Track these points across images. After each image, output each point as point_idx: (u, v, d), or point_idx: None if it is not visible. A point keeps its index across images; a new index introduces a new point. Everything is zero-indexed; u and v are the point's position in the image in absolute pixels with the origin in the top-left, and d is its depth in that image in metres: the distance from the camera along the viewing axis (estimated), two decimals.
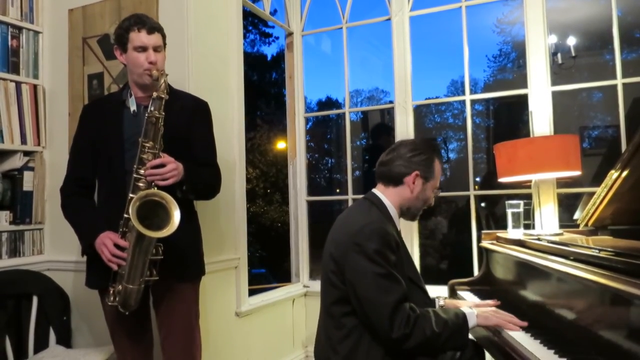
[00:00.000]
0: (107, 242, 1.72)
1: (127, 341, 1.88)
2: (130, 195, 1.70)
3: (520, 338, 1.49)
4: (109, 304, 1.75)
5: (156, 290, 1.86)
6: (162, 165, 1.72)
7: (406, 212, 1.73)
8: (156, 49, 1.82)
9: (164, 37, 1.88)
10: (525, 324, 1.57)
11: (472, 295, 2.17)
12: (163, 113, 1.73)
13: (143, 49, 1.80)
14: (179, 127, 1.86)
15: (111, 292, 1.76)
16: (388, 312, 1.44)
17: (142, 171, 1.71)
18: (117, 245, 1.71)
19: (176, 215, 1.66)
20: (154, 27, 1.83)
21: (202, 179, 1.90)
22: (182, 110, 1.88)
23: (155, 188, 1.71)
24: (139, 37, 1.80)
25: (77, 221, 1.89)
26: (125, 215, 1.72)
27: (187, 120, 1.91)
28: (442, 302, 1.94)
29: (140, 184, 1.71)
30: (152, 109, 1.73)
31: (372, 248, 1.49)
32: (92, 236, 1.77)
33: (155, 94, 1.73)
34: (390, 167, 1.70)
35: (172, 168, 1.73)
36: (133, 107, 1.88)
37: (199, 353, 1.95)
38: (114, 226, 1.76)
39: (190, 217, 1.94)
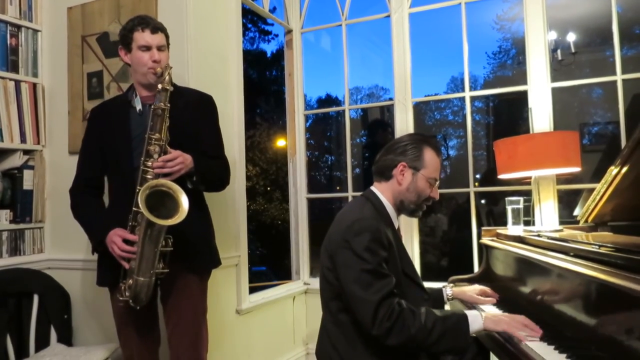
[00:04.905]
0: (115, 238, 1.74)
1: (134, 337, 1.89)
2: (139, 187, 1.71)
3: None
4: (121, 299, 1.76)
5: (164, 285, 1.86)
6: (170, 159, 1.74)
7: (401, 207, 1.69)
8: (160, 48, 1.86)
9: (167, 37, 1.92)
10: (540, 332, 1.43)
11: None
12: (169, 105, 1.76)
13: (147, 48, 1.84)
14: (184, 123, 1.87)
15: (122, 288, 1.76)
16: (372, 308, 1.41)
17: (149, 163, 1.73)
18: (126, 241, 1.72)
19: (184, 202, 1.67)
20: (157, 27, 1.87)
21: (211, 170, 1.92)
22: (186, 105, 1.90)
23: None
24: (142, 36, 1.83)
25: (86, 220, 1.91)
26: (134, 209, 1.73)
27: (193, 115, 1.93)
28: (449, 292, 1.95)
29: (148, 177, 1.73)
30: (158, 101, 1.75)
31: (360, 244, 1.47)
32: (102, 234, 1.79)
33: (160, 86, 1.76)
34: (380, 162, 1.70)
35: (180, 161, 1.75)
36: (138, 107, 1.90)
37: (205, 349, 1.95)
38: (125, 223, 1.77)
39: (200, 210, 1.96)
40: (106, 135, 1.92)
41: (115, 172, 1.92)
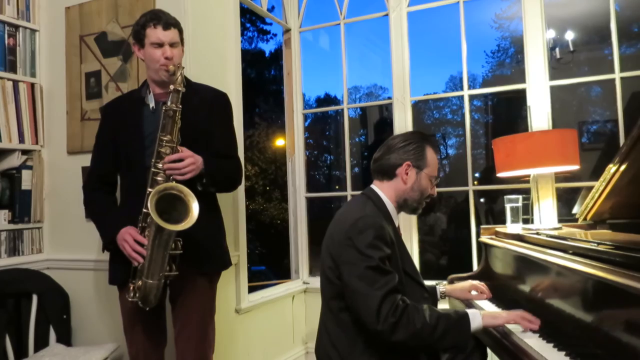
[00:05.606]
0: (127, 237, 1.73)
1: (141, 336, 1.88)
2: (149, 189, 1.70)
3: (518, 331, 1.49)
4: (129, 299, 1.75)
5: (174, 286, 1.85)
6: (181, 160, 1.73)
7: (404, 205, 1.70)
8: (172, 45, 1.83)
9: (180, 32, 1.88)
10: (538, 322, 1.48)
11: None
12: (180, 106, 1.74)
13: (159, 44, 1.81)
14: (198, 120, 1.86)
15: (131, 288, 1.75)
16: (376, 303, 1.40)
17: (160, 165, 1.72)
18: (137, 241, 1.72)
19: (194, 208, 1.66)
20: (169, 23, 1.84)
21: (222, 171, 1.90)
22: (200, 103, 1.89)
23: (174, 182, 1.71)
24: (155, 33, 1.81)
25: (98, 217, 1.91)
26: (144, 210, 1.72)
27: (207, 113, 1.91)
28: (442, 289, 1.95)
29: (159, 178, 1.71)
30: (170, 102, 1.73)
31: (364, 241, 1.47)
32: (114, 232, 1.78)
33: (172, 87, 1.74)
34: (382, 161, 1.69)
35: (190, 162, 1.73)
36: (152, 104, 1.89)
37: (212, 350, 1.94)
38: (134, 222, 1.76)
39: (212, 211, 1.94)
40: (119, 132, 1.90)
41: (127, 170, 1.91)
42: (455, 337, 1.45)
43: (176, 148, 1.74)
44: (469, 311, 1.50)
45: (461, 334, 1.47)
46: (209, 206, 1.90)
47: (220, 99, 2.00)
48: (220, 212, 2.02)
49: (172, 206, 1.68)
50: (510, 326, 1.53)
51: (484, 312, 1.54)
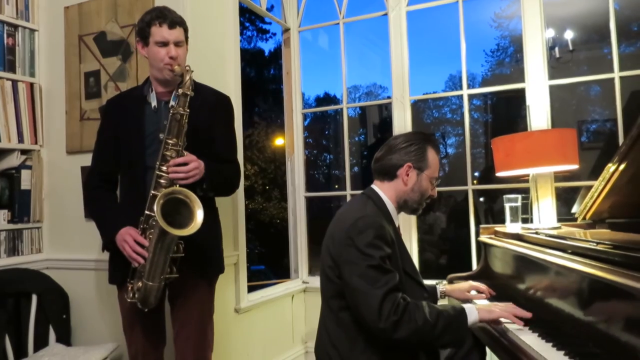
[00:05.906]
0: (127, 238, 1.72)
1: (140, 336, 1.88)
2: (153, 192, 1.70)
3: (518, 330, 1.50)
4: (129, 300, 1.75)
5: (173, 286, 1.84)
6: (185, 164, 1.72)
7: (404, 206, 1.70)
8: (177, 44, 1.81)
9: (185, 31, 1.87)
10: (529, 314, 1.52)
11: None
12: (188, 110, 1.73)
13: (164, 43, 1.79)
14: (199, 123, 1.84)
15: (130, 288, 1.75)
16: (377, 302, 1.41)
17: (164, 168, 1.71)
18: (137, 242, 1.72)
19: (199, 215, 1.66)
20: (175, 22, 1.81)
21: (222, 177, 1.90)
22: (202, 105, 1.87)
23: (177, 185, 1.71)
24: (160, 31, 1.79)
25: (99, 216, 1.90)
26: (147, 212, 1.71)
27: (208, 116, 1.89)
28: (442, 288, 1.96)
29: (162, 181, 1.71)
30: (177, 105, 1.72)
31: (364, 240, 1.48)
32: (113, 232, 1.77)
33: (180, 91, 1.73)
34: (383, 161, 1.69)
35: (194, 167, 1.73)
36: (154, 103, 1.87)
37: (211, 349, 1.95)
38: (134, 222, 1.76)
39: (210, 215, 1.94)
40: (121, 130, 1.89)
41: (127, 169, 1.90)
42: (455, 332, 1.47)
43: (182, 152, 1.73)
44: (466, 306, 1.53)
45: (460, 329, 1.48)
46: (209, 210, 1.89)
47: (222, 102, 1.99)
48: (219, 216, 2.02)
49: (176, 210, 1.68)
50: (509, 326, 1.53)
51: (479, 306, 1.57)
